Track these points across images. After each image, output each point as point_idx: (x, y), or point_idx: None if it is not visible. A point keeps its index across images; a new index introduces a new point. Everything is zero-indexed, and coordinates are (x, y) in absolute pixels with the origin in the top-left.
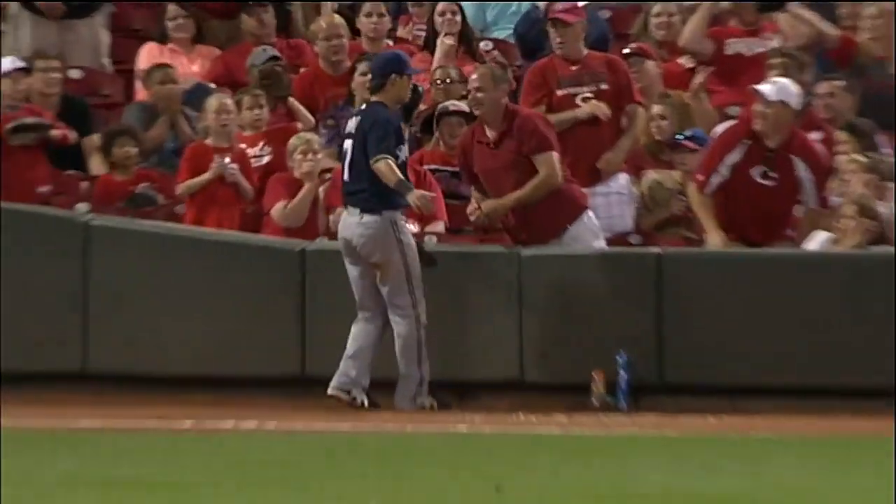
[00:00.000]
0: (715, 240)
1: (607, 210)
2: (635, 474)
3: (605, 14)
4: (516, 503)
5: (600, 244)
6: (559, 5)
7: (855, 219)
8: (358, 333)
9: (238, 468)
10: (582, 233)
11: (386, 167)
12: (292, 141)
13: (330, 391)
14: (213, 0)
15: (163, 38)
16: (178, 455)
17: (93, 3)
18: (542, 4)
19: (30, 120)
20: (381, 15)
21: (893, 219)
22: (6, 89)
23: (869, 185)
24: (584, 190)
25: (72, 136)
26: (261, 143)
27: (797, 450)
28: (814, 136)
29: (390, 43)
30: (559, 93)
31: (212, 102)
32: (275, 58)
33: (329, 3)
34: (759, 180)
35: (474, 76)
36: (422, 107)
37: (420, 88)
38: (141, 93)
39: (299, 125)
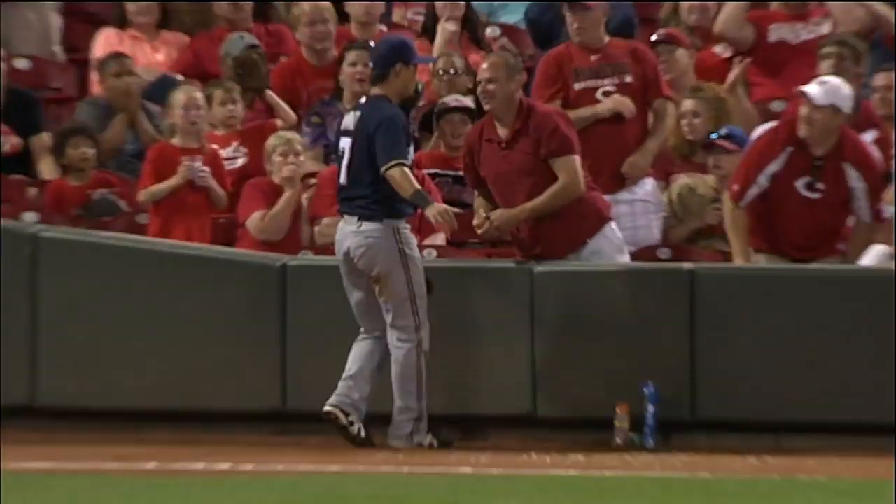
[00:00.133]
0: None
1: (632, 220)
2: None
3: None
4: None
5: (624, 259)
6: None
7: None
8: (360, 353)
9: None
10: (604, 246)
11: (401, 175)
12: (271, 141)
13: (327, 408)
14: None
15: (122, 23)
16: (140, 502)
17: None
18: None
19: None
20: None
21: None
22: None
23: None
24: (606, 197)
25: (16, 141)
26: (234, 144)
27: (852, 495)
28: (867, 135)
29: (384, 29)
30: (576, 86)
31: (178, 97)
32: (253, 46)
33: None
34: (804, 193)
35: (485, 66)
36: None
37: (420, 86)
38: (97, 86)
39: (279, 122)
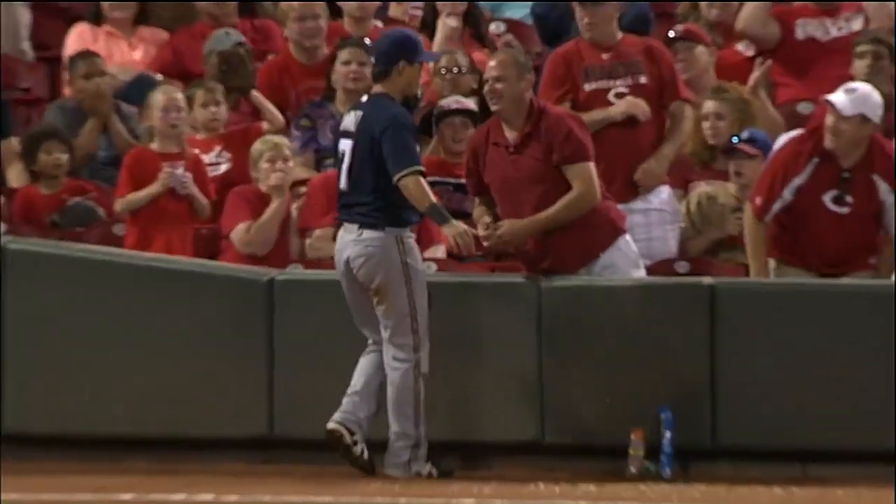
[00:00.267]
0: None
1: (646, 231)
2: None
3: None
4: None
5: (639, 274)
6: None
7: None
8: (367, 366)
9: None
10: (617, 260)
11: (416, 186)
12: (257, 146)
13: (331, 425)
14: None
15: (97, 19)
16: None
17: None
18: None
19: None
20: None
21: None
22: None
23: None
24: (619, 207)
25: None
26: (217, 148)
27: None
28: None
29: (379, 24)
30: (587, 87)
31: (157, 98)
32: (240, 44)
33: None
34: (832, 207)
35: (492, 63)
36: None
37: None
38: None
39: (265, 125)
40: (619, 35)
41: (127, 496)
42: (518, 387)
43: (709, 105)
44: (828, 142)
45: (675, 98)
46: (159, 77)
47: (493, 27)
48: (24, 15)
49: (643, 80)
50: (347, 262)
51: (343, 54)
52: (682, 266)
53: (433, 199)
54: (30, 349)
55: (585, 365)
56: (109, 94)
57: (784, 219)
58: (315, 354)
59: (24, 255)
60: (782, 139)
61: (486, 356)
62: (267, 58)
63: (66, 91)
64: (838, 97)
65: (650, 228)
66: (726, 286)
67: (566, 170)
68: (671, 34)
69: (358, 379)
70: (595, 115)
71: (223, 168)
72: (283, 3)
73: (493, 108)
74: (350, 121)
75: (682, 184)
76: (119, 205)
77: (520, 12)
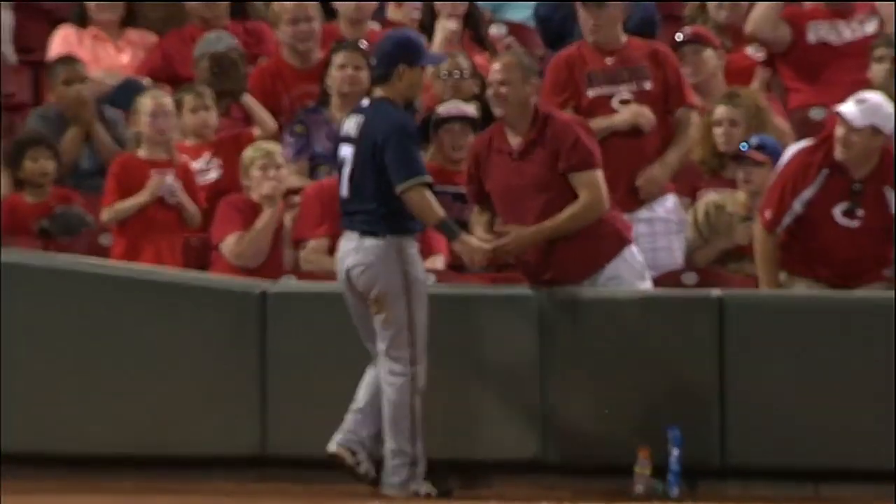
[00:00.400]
0: None
1: (651, 241)
2: None
3: None
4: None
5: (646, 286)
6: None
7: None
8: (372, 381)
9: None
10: (623, 272)
11: (421, 199)
12: (248, 153)
13: (332, 448)
14: None
15: (82, 21)
16: None
17: None
18: None
19: None
20: None
21: None
22: None
23: None
24: (623, 216)
25: None
26: (206, 155)
27: None
28: None
29: (377, 27)
30: (589, 93)
31: (145, 103)
32: (233, 48)
33: None
34: (842, 221)
35: (496, 66)
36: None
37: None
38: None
39: (257, 131)
40: (624, 38)
41: None
42: (519, 402)
43: (722, 111)
44: (838, 153)
45: (680, 104)
46: (147, 81)
47: (495, 30)
48: (7, 17)
49: (648, 85)
50: (348, 271)
51: (338, 58)
52: (689, 277)
53: (441, 213)
54: (14, 366)
55: (589, 380)
56: (91, 100)
57: (794, 230)
58: (309, 369)
59: (8, 266)
60: (791, 150)
61: (485, 371)
62: (259, 62)
63: (49, 97)
64: (849, 108)
65: (655, 238)
66: (735, 298)
67: (573, 177)
68: (678, 37)
69: (362, 394)
70: (599, 124)
71: (213, 175)
72: (276, 4)
73: (498, 112)
74: (350, 126)
75: (690, 192)
76: (106, 214)
77: (522, 14)
